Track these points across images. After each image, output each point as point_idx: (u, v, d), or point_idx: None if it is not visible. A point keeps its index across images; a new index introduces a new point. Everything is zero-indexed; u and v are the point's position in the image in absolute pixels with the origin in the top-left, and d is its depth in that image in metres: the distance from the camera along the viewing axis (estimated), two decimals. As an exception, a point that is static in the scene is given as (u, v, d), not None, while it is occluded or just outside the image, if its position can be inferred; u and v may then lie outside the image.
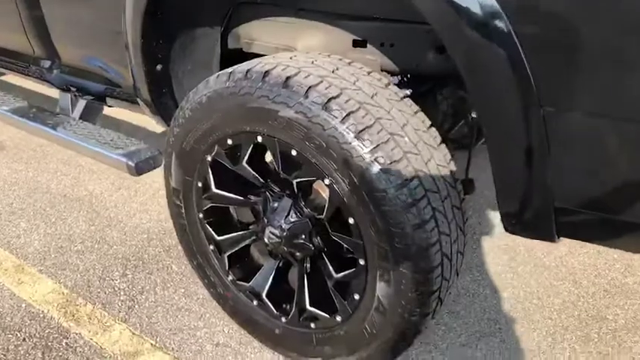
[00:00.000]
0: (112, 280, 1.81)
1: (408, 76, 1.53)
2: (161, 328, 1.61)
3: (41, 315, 1.65)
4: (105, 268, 1.87)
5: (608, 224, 0.92)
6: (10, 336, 1.57)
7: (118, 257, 1.92)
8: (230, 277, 1.48)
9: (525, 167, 0.96)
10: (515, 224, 1.04)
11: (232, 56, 1.62)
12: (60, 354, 1.51)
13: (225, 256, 1.47)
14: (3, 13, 1.84)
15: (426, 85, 1.57)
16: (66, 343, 1.55)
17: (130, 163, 1.65)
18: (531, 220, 1.01)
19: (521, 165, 0.96)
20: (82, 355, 1.51)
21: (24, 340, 1.56)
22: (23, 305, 1.70)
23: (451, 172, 1.16)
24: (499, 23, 0.88)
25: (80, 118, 1.98)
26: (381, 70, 1.42)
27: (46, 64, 1.92)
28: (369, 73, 1.22)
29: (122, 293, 1.75)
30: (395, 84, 1.28)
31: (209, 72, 1.62)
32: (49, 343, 1.55)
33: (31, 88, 2.94)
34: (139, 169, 1.66)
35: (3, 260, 1.89)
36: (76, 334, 1.58)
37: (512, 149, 0.96)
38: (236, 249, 1.48)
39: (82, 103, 1.97)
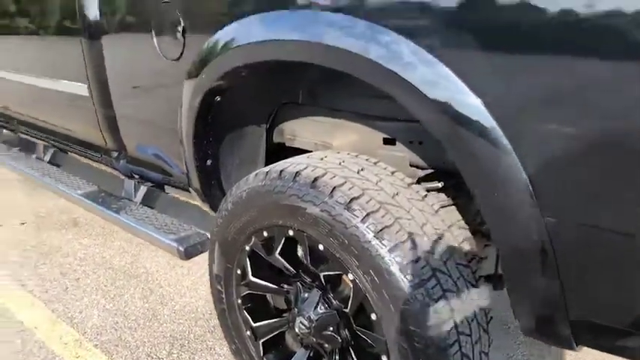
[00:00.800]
0: (159, 359, 1.90)
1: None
2: (199, 410, 1.66)
3: (91, 390, 1.76)
4: (154, 345, 1.97)
5: (626, 336, 0.90)
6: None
7: (166, 335, 2.02)
8: (264, 364, 1.53)
9: (534, 279, 0.97)
10: (533, 332, 1.03)
11: (277, 150, 1.76)
12: None
13: (260, 342, 1.53)
14: (83, 113, 2.12)
15: (457, 178, 1.62)
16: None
17: (180, 248, 1.78)
18: (547, 330, 1.00)
19: (530, 276, 0.97)
20: None
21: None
22: (77, 380, 1.81)
23: (472, 270, 1.17)
24: (495, 138, 0.93)
25: (141, 202, 2.18)
26: (411, 166, 1.49)
27: (115, 154, 2.15)
28: (392, 172, 1.30)
29: (166, 372, 1.83)
30: (425, 177, 1.35)
31: (255, 166, 1.76)
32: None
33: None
34: (188, 254, 1.79)
35: (64, 334, 2.04)
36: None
37: (519, 259, 0.98)
38: (271, 335, 1.53)
39: (143, 189, 2.18)
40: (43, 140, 2.80)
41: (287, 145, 1.77)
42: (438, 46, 0.99)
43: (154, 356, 1.91)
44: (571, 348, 0.98)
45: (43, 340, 2.00)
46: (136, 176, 2.17)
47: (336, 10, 1.14)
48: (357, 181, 1.22)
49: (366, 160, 1.35)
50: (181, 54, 1.55)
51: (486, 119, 0.94)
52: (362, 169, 1.28)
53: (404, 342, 1.11)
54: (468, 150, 0.98)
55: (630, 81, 0.80)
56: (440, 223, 1.21)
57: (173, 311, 2.18)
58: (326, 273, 1.29)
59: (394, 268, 1.09)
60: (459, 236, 1.22)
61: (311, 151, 1.60)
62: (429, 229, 1.17)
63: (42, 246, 2.74)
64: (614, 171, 0.84)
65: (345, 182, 1.21)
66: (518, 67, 0.91)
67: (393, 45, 1.04)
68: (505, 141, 0.93)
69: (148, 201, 2.20)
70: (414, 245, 1.12)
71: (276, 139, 1.80)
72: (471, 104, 0.96)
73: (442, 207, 1.26)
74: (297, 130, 1.72)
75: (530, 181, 0.91)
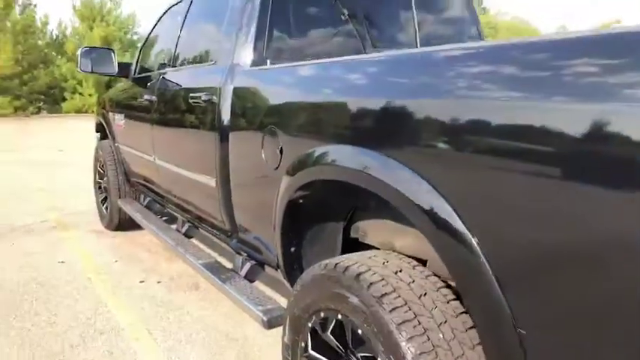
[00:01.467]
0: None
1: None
2: None
3: None
4: (237, 401, 2.31)
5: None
6: None
7: (248, 394, 2.36)
8: None
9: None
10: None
11: (354, 244, 2.09)
12: None
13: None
14: (208, 201, 2.69)
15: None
16: None
17: (264, 318, 2.16)
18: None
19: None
20: None
21: None
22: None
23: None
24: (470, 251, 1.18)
25: (245, 276, 2.62)
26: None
27: (229, 234, 2.66)
28: (427, 276, 1.55)
29: None
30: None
31: (332, 254, 2.11)
32: None
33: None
34: (270, 324, 2.15)
35: (171, 378, 2.49)
36: None
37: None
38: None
39: (248, 265, 2.63)
40: (181, 215, 3.48)
41: (359, 240, 2.10)
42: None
43: (235, 410, 2.24)
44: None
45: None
46: (244, 254, 2.64)
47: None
48: (392, 280, 1.49)
49: (408, 263, 1.62)
50: (278, 165, 2.01)
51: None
52: (400, 271, 1.55)
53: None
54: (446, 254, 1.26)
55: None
56: (460, 325, 1.42)
57: (258, 374, 2.51)
58: (362, 354, 1.55)
59: (408, 357, 1.33)
60: (476, 339, 1.41)
61: (378, 249, 1.91)
62: (447, 329, 1.39)
63: (169, 303, 3.31)
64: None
65: (382, 280, 1.49)
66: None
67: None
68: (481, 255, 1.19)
69: (250, 275, 2.64)
70: (428, 339, 1.35)
71: (352, 234, 2.14)
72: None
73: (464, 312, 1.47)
74: (368, 229, 2.05)
75: (504, 294, 1.14)
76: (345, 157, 1.65)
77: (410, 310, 1.40)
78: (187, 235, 3.46)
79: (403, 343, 1.35)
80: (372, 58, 1.87)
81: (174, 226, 3.61)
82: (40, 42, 24.51)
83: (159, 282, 3.65)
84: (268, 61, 2.46)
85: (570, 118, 1.03)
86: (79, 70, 4.03)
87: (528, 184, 1.10)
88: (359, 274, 1.53)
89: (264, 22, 2.51)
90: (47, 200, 6.20)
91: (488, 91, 1.25)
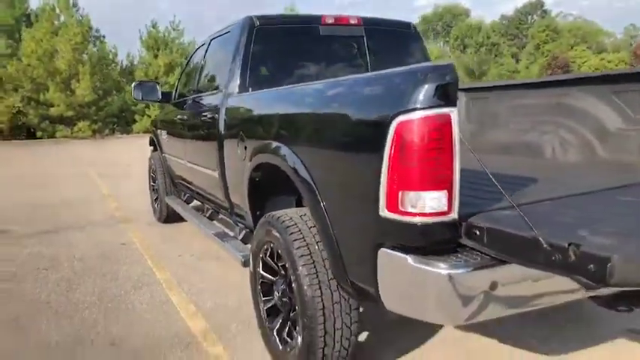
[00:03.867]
0: None
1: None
2: None
3: None
4: None
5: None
6: None
7: None
8: None
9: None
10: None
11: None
12: None
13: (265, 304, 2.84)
14: (216, 188, 3.82)
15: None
16: None
17: (242, 259, 3.22)
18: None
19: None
20: None
21: None
22: None
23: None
24: (311, 187, 2.23)
25: (241, 239, 3.71)
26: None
27: (229, 210, 3.78)
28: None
29: None
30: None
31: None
32: None
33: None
34: (245, 263, 3.21)
35: (189, 309, 3.60)
36: None
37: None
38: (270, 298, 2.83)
39: (243, 232, 3.71)
40: (204, 203, 4.66)
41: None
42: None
43: None
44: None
45: (178, 310, 3.59)
46: (239, 224, 3.74)
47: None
48: (297, 222, 2.50)
49: (310, 211, 2.65)
50: (244, 157, 3.10)
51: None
52: (303, 215, 2.57)
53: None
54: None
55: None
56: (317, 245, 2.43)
57: None
58: (281, 263, 2.59)
59: (299, 264, 2.34)
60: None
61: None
62: (315, 248, 2.40)
63: (196, 268, 4.46)
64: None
65: (292, 221, 2.50)
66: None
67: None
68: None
69: (245, 239, 3.72)
70: (310, 254, 2.37)
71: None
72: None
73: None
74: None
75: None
76: (271, 148, 2.70)
77: (303, 238, 2.41)
78: (210, 218, 4.64)
79: (298, 258, 2.36)
80: (288, 89, 2.94)
81: (200, 212, 4.81)
82: (112, 71, 27.29)
83: (191, 255, 4.84)
84: (250, 89, 3.57)
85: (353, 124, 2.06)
86: (133, 98, 5.37)
87: (325, 156, 2.14)
88: (279, 218, 2.58)
89: (247, 63, 3.63)
90: (115, 203, 7.66)
91: (319, 109, 2.30)
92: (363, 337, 3.08)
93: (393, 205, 1.81)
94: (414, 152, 1.73)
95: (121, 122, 26.77)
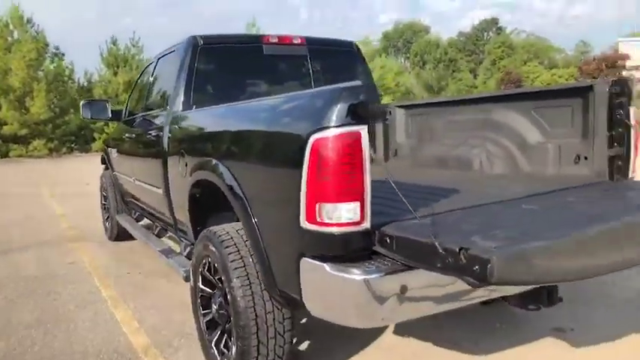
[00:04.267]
0: None
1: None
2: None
3: None
4: None
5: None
6: None
7: None
8: None
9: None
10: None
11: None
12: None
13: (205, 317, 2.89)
14: (161, 205, 3.85)
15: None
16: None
17: (184, 274, 3.26)
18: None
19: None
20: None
21: None
22: None
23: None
24: (237, 194, 2.32)
25: (185, 255, 3.75)
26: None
27: (174, 227, 3.81)
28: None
29: None
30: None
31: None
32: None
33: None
34: (187, 278, 3.24)
35: (134, 326, 3.60)
36: None
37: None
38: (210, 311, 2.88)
39: (188, 248, 3.75)
40: (152, 220, 4.66)
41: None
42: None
43: None
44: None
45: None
46: (183, 240, 3.78)
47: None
48: (233, 236, 2.58)
49: (246, 225, 2.74)
50: (185, 174, 3.17)
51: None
52: (239, 230, 2.65)
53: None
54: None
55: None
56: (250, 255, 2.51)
57: None
58: (217, 277, 2.65)
59: (233, 276, 2.42)
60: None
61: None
62: (249, 260, 2.47)
63: (144, 286, 4.45)
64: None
65: (228, 235, 2.58)
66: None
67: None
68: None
69: (189, 254, 3.76)
70: (244, 266, 2.43)
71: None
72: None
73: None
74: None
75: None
76: (207, 165, 2.78)
77: (238, 252, 2.49)
78: (158, 235, 4.65)
79: (232, 271, 2.44)
80: (223, 107, 3.04)
81: (149, 230, 4.81)
82: (70, 89, 26.70)
83: (140, 273, 4.82)
84: (194, 107, 3.65)
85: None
86: (82, 117, 5.34)
87: (254, 172, 2.24)
88: (216, 232, 2.65)
89: (191, 81, 3.71)
90: (67, 222, 7.52)
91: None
92: (304, 346, 3.17)
93: (311, 217, 1.92)
94: (328, 167, 1.85)
95: (80, 141, 26.14)
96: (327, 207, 1.87)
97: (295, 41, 4.22)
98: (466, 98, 3.81)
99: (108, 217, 6.09)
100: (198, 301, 2.93)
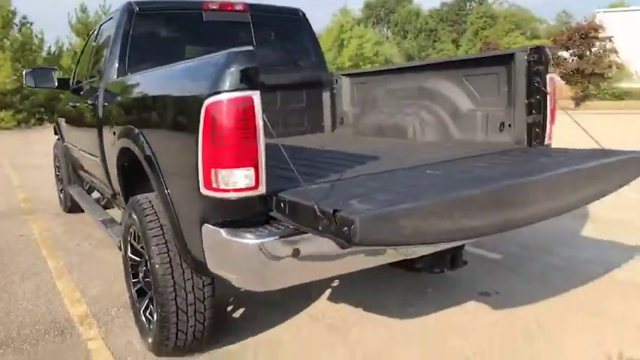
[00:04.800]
0: None
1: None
2: None
3: None
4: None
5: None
6: None
7: None
8: None
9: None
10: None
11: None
12: None
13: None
14: (101, 173, 3.82)
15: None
16: None
17: (118, 244, 3.27)
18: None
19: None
20: None
21: None
22: None
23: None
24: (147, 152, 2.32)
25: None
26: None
27: (112, 195, 3.79)
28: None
29: None
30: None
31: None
32: None
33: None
34: (120, 247, 3.26)
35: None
36: (75, 327, 3.12)
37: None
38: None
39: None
40: (98, 190, 4.63)
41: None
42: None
43: None
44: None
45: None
46: (122, 209, 3.76)
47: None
48: (154, 204, 2.58)
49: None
50: (114, 142, 3.13)
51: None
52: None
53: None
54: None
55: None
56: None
57: None
58: (140, 245, 2.66)
59: (152, 244, 2.43)
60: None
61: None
62: (168, 227, 2.48)
63: (91, 256, 4.44)
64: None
65: (149, 204, 2.59)
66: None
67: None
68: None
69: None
70: (162, 234, 2.44)
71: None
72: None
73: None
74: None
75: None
76: (128, 133, 2.75)
77: (158, 220, 2.49)
78: (105, 207, 4.62)
79: (151, 239, 2.44)
80: (144, 73, 2.98)
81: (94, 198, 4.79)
82: (38, 58, 25.89)
83: (90, 244, 4.80)
84: (129, 74, 3.58)
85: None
86: (25, 85, 5.20)
87: (164, 139, 2.23)
88: (138, 200, 2.65)
89: (126, 48, 3.63)
90: (23, 194, 7.42)
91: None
92: (238, 313, 3.23)
93: (208, 183, 1.93)
94: (222, 132, 1.85)
95: (49, 112, 25.52)
96: (223, 173, 1.88)
97: (237, 8, 4.14)
98: (404, 66, 3.80)
99: (62, 189, 6.02)
100: (129, 269, 2.94)
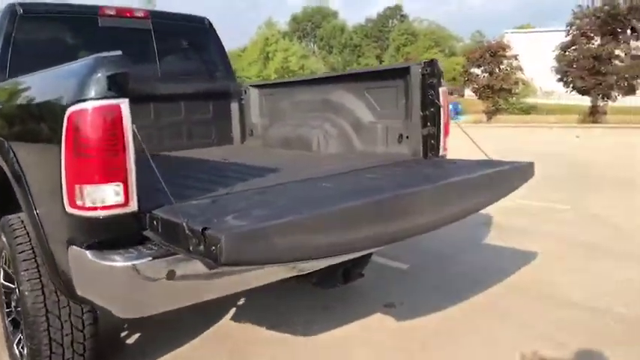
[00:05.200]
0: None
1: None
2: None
3: None
4: None
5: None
6: None
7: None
8: None
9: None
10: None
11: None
12: None
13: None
14: None
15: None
16: None
17: None
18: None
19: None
20: None
21: None
22: None
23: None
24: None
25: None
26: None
27: None
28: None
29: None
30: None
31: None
32: None
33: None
34: None
35: None
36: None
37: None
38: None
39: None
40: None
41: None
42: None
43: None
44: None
45: None
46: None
47: None
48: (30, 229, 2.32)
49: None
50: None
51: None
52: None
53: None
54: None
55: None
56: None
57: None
58: (10, 270, 2.39)
59: (21, 269, 2.17)
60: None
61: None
62: (38, 249, 2.23)
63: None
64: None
65: (20, 224, 2.32)
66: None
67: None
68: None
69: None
70: (34, 257, 2.19)
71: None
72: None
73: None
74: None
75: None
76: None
77: (29, 242, 2.23)
78: None
79: (20, 263, 2.19)
80: (15, 80, 2.72)
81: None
82: None
83: None
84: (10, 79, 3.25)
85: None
86: None
87: (29, 153, 2.01)
88: (9, 221, 2.37)
89: (7, 52, 3.31)
90: None
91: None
92: (132, 339, 3.00)
93: (72, 201, 1.74)
94: (86, 143, 1.68)
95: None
96: (89, 189, 1.71)
97: (137, 14, 3.93)
98: (309, 79, 3.77)
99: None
100: (2, 298, 2.64)
